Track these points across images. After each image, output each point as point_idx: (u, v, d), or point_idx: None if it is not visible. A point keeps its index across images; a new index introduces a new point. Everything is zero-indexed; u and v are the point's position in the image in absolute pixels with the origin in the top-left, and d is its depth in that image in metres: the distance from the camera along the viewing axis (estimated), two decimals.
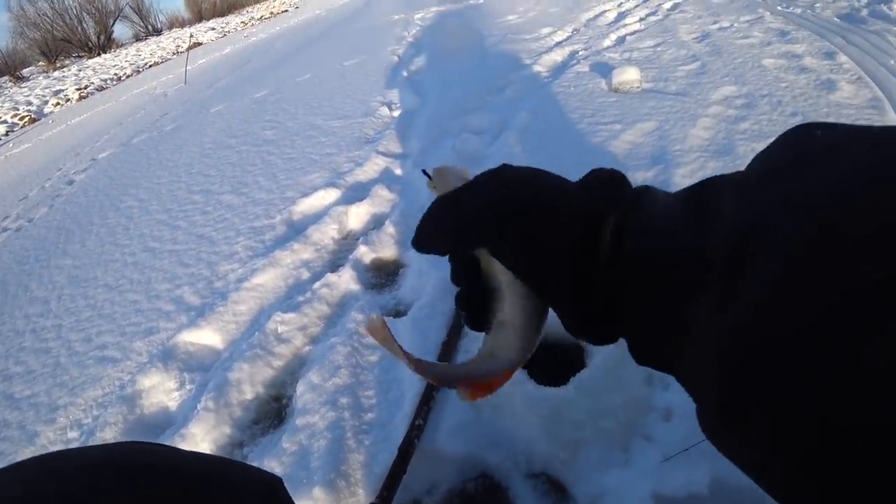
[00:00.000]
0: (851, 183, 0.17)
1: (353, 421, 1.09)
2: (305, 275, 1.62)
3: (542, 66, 2.86)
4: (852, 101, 2.22)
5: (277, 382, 1.30)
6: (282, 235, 1.85)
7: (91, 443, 1.25)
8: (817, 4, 3.92)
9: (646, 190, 0.29)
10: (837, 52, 2.86)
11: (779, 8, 3.90)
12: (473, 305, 0.35)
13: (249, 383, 1.29)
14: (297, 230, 1.84)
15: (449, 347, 1.10)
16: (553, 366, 1.06)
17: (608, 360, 1.01)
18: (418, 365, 0.35)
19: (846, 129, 0.20)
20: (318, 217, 1.84)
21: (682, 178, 1.65)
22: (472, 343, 1.12)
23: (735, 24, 3.43)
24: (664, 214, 0.25)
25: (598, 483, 0.93)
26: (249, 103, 4.08)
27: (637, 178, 1.69)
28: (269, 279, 1.64)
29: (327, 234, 1.74)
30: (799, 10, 3.79)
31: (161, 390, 1.35)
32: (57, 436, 1.30)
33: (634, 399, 0.98)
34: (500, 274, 0.32)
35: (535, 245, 0.29)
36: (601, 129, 1.94)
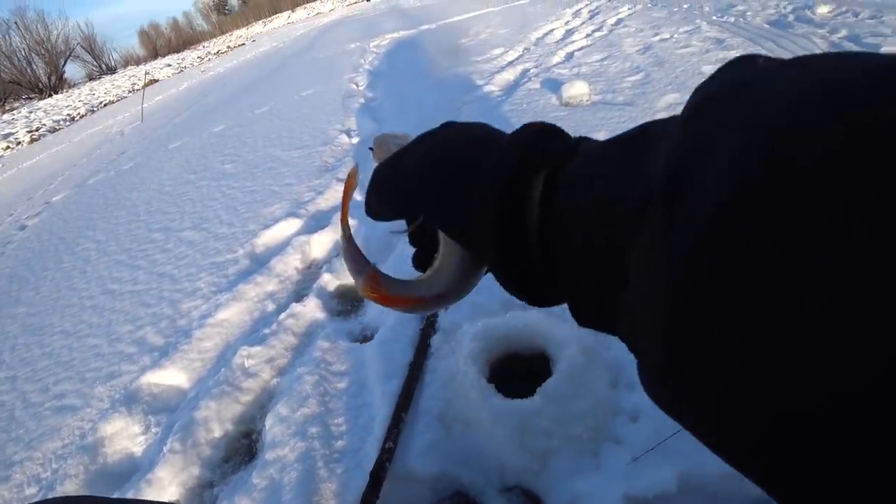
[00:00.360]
0: (796, 102, 0.15)
1: (324, 450, 1.08)
2: (270, 307, 1.60)
3: (495, 86, 2.94)
4: None
5: (247, 418, 1.28)
6: (245, 269, 1.83)
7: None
8: (748, 13, 4.17)
9: (582, 140, 0.27)
10: (770, 55, 3.05)
11: (714, 18, 4.13)
12: (425, 263, 0.35)
13: (217, 421, 1.26)
14: (260, 263, 1.83)
15: (415, 368, 1.10)
16: (519, 376, 1.07)
17: (573, 366, 1.03)
18: (349, 243, 0.37)
19: (788, 59, 0.18)
20: (280, 248, 1.83)
21: None
22: (438, 362, 1.13)
23: (675, 35, 3.61)
24: (600, 160, 0.23)
25: (570, 490, 0.94)
26: (208, 138, 4.05)
27: None
28: (233, 314, 1.62)
29: (290, 264, 1.73)
30: (732, 19, 4.02)
31: (125, 436, 1.30)
32: (13, 494, 1.24)
33: (601, 403, 1.00)
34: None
35: (459, 207, 0.28)
36: None
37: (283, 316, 1.49)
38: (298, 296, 1.59)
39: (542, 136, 0.27)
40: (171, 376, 1.44)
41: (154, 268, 2.07)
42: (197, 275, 1.90)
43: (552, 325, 1.07)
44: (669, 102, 2.36)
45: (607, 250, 0.21)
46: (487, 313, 1.19)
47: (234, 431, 1.24)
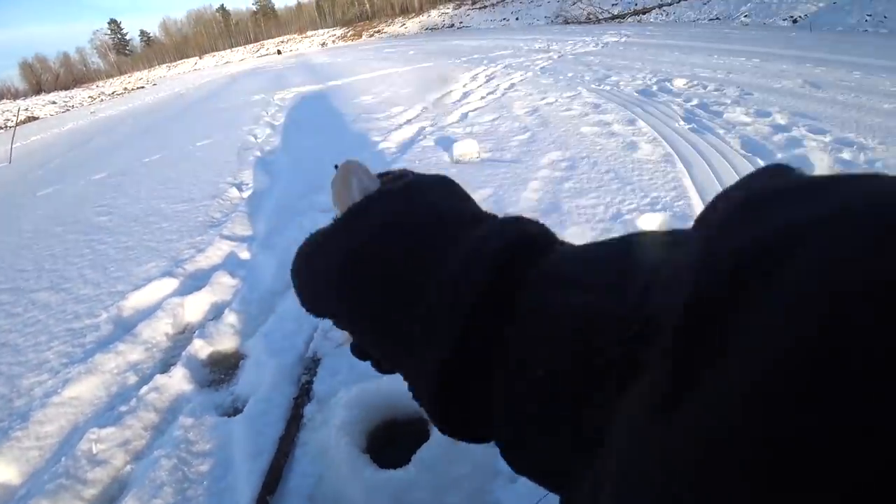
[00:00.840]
0: (854, 231, 0.11)
1: None
2: (132, 379, 1.43)
3: (391, 143, 3.02)
4: (650, 157, 2.67)
5: None
6: (106, 336, 1.63)
7: None
8: (621, 83, 4.74)
9: (552, 249, 0.22)
10: (637, 119, 3.45)
11: (592, 86, 4.63)
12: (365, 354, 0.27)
13: None
14: (125, 328, 1.64)
15: (285, 443, 1.02)
16: (402, 441, 1.03)
17: None
18: None
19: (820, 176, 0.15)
20: (150, 311, 1.66)
21: None
22: (311, 434, 1.05)
23: (559, 100, 3.98)
24: (584, 262, 0.19)
25: None
26: (86, 186, 3.69)
27: None
28: (85, 389, 1.42)
29: (160, 329, 1.57)
30: (608, 88, 4.54)
31: None
32: None
33: (480, 466, 0.98)
34: None
35: (396, 327, 0.22)
36: None
37: (144, 390, 1.32)
38: (165, 365, 1.43)
39: (512, 253, 0.21)
40: None
41: None
42: (46, 344, 1.66)
43: None
44: (552, 159, 2.55)
45: (581, 393, 0.16)
46: (367, 378, 1.14)
47: None
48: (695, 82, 4.61)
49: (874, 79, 4.39)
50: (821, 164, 2.57)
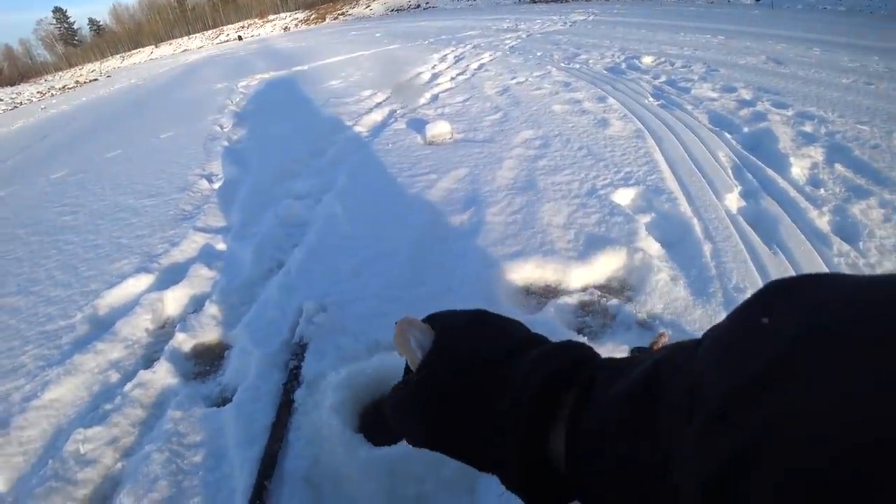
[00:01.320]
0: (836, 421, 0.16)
1: None
2: (114, 377, 1.40)
3: (362, 126, 2.98)
4: (622, 133, 2.71)
5: None
6: (83, 336, 1.59)
7: None
8: (590, 61, 4.77)
9: (596, 376, 0.29)
10: (607, 96, 3.49)
11: (562, 65, 4.65)
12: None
13: None
14: (102, 327, 1.60)
15: (278, 428, 1.02)
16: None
17: None
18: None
19: (801, 321, 0.19)
20: (128, 308, 1.63)
21: (493, 216, 1.82)
22: (303, 418, 1.06)
23: (529, 79, 3.98)
24: (614, 419, 0.26)
25: None
26: (45, 186, 3.54)
27: (454, 222, 1.82)
28: (66, 391, 1.38)
29: (139, 326, 1.54)
30: (577, 66, 4.56)
31: None
32: None
33: None
34: None
35: (480, 452, 0.31)
36: (419, 180, 2.06)
37: (128, 386, 1.30)
38: (148, 361, 1.41)
39: (561, 377, 0.30)
40: None
41: None
42: (20, 348, 1.61)
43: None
44: (525, 138, 2.57)
45: None
46: (354, 358, 1.15)
47: None
48: (662, 59, 4.67)
49: (832, 55, 4.54)
50: (784, 138, 2.66)
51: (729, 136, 2.81)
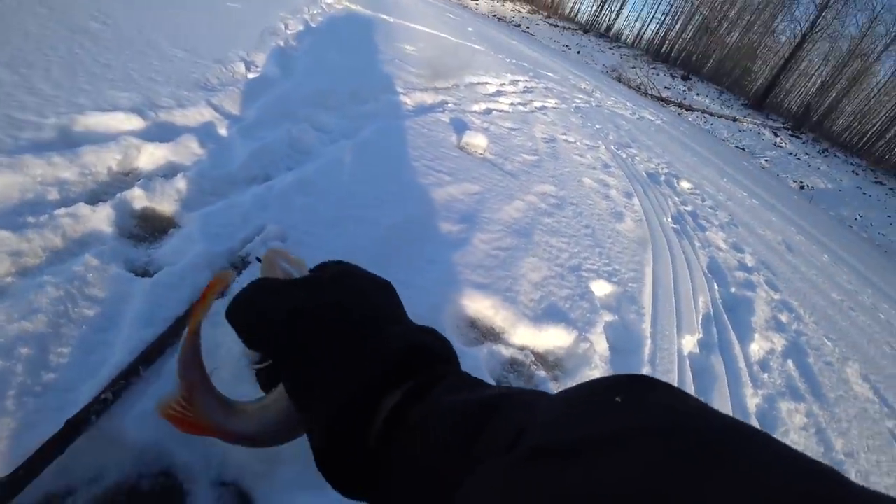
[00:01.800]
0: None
1: (26, 378, 0.90)
2: (53, 195, 1.33)
3: (410, 100, 2.96)
4: (629, 233, 2.77)
5: None
6: (46, 141, 1.51)
7: None
8: (637, 157, 4.87)
9: (443, 377, 0.30)
10: (634, 195, 3.57)
11: (612, 147, 4.74)
12: (267, 382, 0.37)
13: None
14: (68, 143, 1.52)
15: (180, 324, 0.99)
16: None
17: None
18: (192, 340, 0.35)
19: (645, 417, 0.20)
20: (103, 139, 1.55)
21: (480, 242, 1.83)
22: (209, 329, 1.03)
23: (578, 143, 4.04)
24: (438, 426, 0.27)
25: (288, 503, 0.90)
26: None
27: (443, 228, 1.81)
28: (1, 183, 1.31)
29: (105, 161, 1.47)
30: (624, 156, 4.66)
31: None
32: None
33: None
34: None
35: (313, 381, 0.30)
36: (433, 175, 2.06)
37: (61, 210, 1.24)
38: (93, 198, 1.35)
39: (412, 362, 0.30)
40: None
41: None
42: None
43: None
44: (545, 191, 2.59)
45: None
46: None
47: None
48: (697, 192, 4.81)
49: (837, 269, 4.76)
50: (760, 314, 2.77)
51: (717, 287, 2.90)
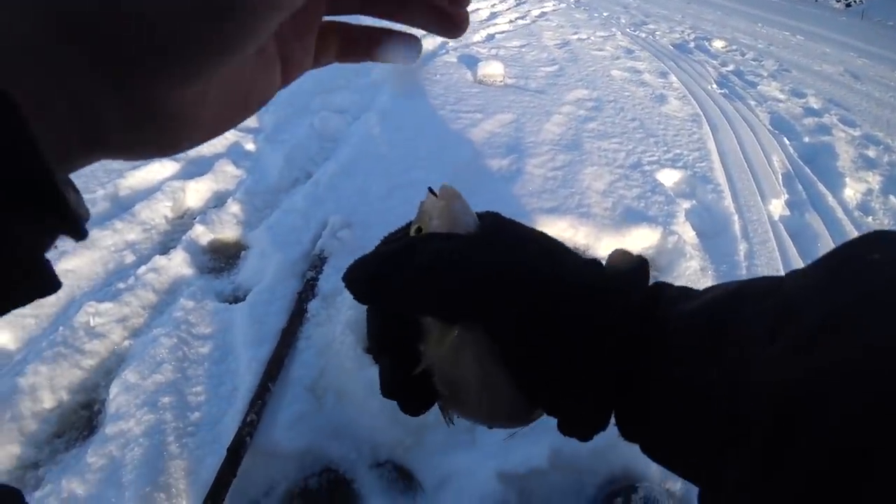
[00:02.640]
0: None
1: (177, 422, 0.96)
2: (129, 258, 1.39)
3: None
4: (678, 113, 2.58)
5: (88, 385, 1.09)
6: (103, 213, 1.57)
7: None
8: (657, 32, 4.50)
9: (660, 290, 0.27)
10: (670, 72, 3.31)
11: (628, 30, 4.39)
12: (411, 392, 0.27)
13: (49, 389, 1.06)
14: (122, 207, 1.58)
15: (288, 334, 1.01)
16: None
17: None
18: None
19: None
20: (149, 192, 1.60)
21: (534, 168, 1.76)
22: (315, 329, 1.05)
23: (591, 38, 3.77)
24: (687, 340, 0.24)
25: (443, 466, 0.92)
26: None
27: (493, 165, 1.76)
28: (83, 263, 1.38)
29: (159, 211, 1.52)
30: (643, 35, 4.31)
31: None
32: None
33: None
34: (472, 363, 0.26)
35: (550, 335, 0.24)
36: (462, 117, 1.99)
37: (143, 269, 1.30)
38: (164, 248, 1.40)
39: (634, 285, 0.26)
40: None
41: None
42: None
43: None
44: (578, 97, 2.45)
45: (697, 445, 0.22)
46: None
47: (70, 402, 1.06)
48: (734, 47, 4.40)
49: None
50: (844, 156, 2.53)
51: (787, 141, 2.67)
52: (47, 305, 1.28)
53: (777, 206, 2.02)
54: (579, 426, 0.26)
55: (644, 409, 0.25)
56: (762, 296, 0.23)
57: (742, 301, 0.23)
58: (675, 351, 0.24)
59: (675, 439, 0.24)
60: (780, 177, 2.27)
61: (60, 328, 1.16)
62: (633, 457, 0.92)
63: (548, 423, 0.98)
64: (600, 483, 0.91)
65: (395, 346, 0.28)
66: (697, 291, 0.27)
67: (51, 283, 0.14)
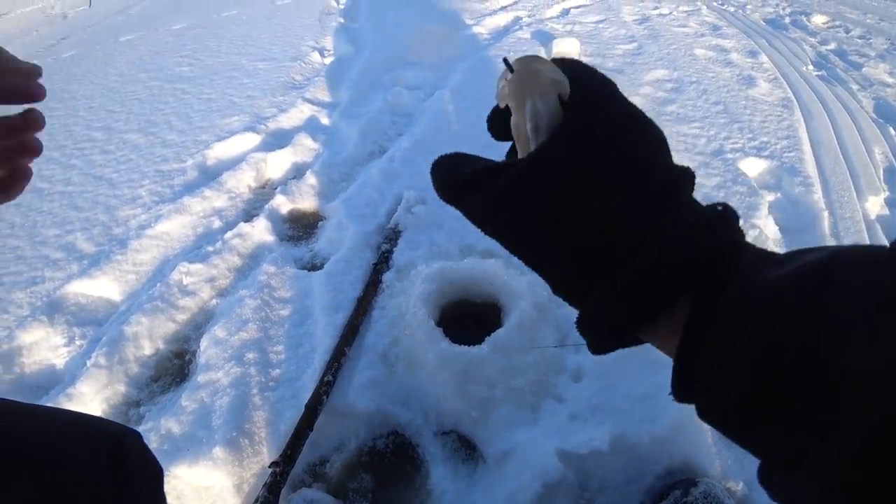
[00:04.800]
0: None
1: (260, 377, 1.03)
2: (217, 223, 1.49)
3: (483, 28, 2.80)
4: (767, 97, 2.39)
5: (180, 337, 1.20)
6: (193, 181, 1.69)
7: None
8: (748, 6, 4.15)
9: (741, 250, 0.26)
10: (760, 52, 3.05)
11: (714, 3, 4.08)
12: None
13: (148, 338, 1.18)
14: (210, 176, 1.69)
15: (364, 303, 1.06)
16: (466, 323, 1.06)
17: (525, 319, 1.02)
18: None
19: None
20: (234, 163, 1.70)
21: None
22: (388, 300, 1.09)
23: (674, 13, 3.54)
24: (779, 300, 0.22)
25: (506, 440, 0.94)
26: (165, 35, 3.67)
27: None
28: (175, 227, 1.50)
29: (243, 181, 1.61)
30: (732, 9, 3.99)
31: (45, 346, 1.19)
32: None
33: (547, 360, 1.00)
34: None
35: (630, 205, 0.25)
36: None
37: (229, 234, 1.39)
38: (248, 215, 1.49)
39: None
40: (101, 287, 1.32)
41: (91, 169, 1.88)
42: (139, 181, 1.75)
43: (509, 277, 1.04)
44: (657, 77, 2.32)
45: (779, 417, 0.21)
46: (445, 256, 1.15)
47: (165, 350, 1.17)
48: (837, 22, 3.97)
49: None
50: None
51: (894, 132, 2.41)
52: (145, 263, 1.40)
53: (875, 204, 1.84)
54: (607, 314, 0.25)
55: (717, 361, 0.23)
56: (868, 266, 0.20)
57: (843, 271, 0.21)
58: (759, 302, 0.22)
59: (748, 401, 0.22)
60: (882, 171, 2.07)
61: (158, 284, 1.27)
62: (695, 451, 0.89)
63: (612, 407, 0.95)
64: (660, 473, 0.90)
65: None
66: (780, 255, 0.25)
67: None
